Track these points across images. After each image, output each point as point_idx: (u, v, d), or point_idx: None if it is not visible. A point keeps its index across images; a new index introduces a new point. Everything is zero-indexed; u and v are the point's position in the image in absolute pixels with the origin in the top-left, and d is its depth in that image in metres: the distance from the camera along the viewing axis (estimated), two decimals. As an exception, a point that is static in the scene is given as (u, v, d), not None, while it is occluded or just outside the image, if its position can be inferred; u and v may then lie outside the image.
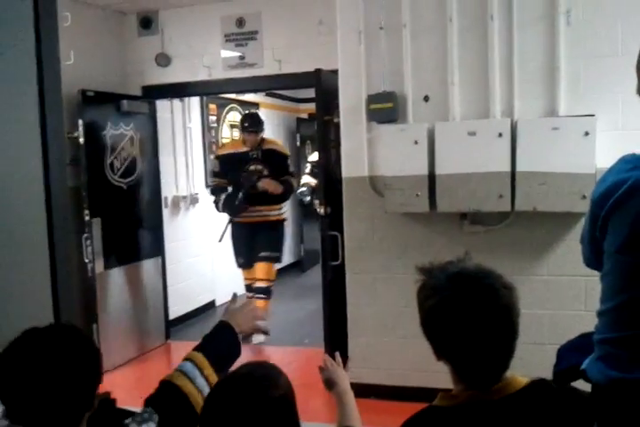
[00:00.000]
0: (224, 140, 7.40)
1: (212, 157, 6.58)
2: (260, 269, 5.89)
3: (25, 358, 1.39)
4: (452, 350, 1.33)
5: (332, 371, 1.92)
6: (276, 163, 5.90)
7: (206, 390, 1.70)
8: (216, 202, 5.94)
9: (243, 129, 5.94)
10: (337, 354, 2.02)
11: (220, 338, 1.92)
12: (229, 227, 6.06)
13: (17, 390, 1.37)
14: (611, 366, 1.22)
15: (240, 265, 6.11)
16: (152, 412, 1.59)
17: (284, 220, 6.24)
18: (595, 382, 1.26)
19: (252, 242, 5.95)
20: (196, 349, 1.85)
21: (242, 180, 5.72)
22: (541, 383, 1.36)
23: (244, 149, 5.89)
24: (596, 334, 1.30)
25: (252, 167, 5.81)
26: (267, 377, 1.45)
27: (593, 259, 1.33)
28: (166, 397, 1.68)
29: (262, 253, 5.89)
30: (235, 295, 2.10)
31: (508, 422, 1.29)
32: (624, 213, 1.17)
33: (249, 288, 6.04)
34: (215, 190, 6.06)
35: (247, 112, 6.68)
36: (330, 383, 1.91)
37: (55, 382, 1.37)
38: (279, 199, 5.98)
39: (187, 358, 1.81)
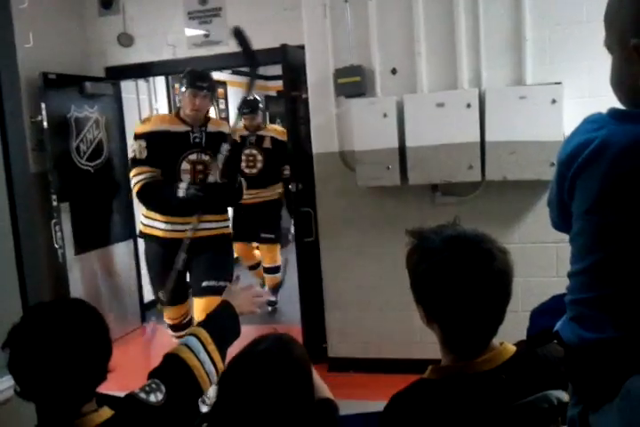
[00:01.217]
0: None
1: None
2: (199, 304, 3.80)
3: (35, 333, 1.40)
4: (445, 313, 1.32)
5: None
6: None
7: (208, 364, 1.74)
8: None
9: (193, 86, 3.78)
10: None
11: (223, 317, 1.97)
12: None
13: (29, 364, 1.39)
14: (583, 327, 1.22)
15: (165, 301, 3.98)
16: (159, 383, 1.60)
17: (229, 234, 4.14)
18: (567, 343, 1.26)
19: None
20: (200, 325, 1.89)
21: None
22: (528, 349, 1.37)
23: (183, 127, 3.85)
24: (567, 295, 1.30)
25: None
26: (284, 353, 1.44)
27: (561, 221, 1.32)
28: (171, 369, 1.70)
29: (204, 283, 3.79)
30: (237, 277, 2.17)
31: (499, 391, 1.30)
32: (592, 173, 1.16)
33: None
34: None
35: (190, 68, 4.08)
36: None
37: (67, 355, 1.38)
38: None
39: (191, 333, 1.84)
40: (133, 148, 3.83)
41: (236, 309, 1.98)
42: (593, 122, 1.19)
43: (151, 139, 3.76)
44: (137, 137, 3.82)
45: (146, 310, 5.86)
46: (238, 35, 3.82)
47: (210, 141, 3.83)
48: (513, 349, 1.36)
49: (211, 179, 3.76)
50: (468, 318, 1.30)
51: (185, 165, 3.78)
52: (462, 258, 1.28)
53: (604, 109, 1.20)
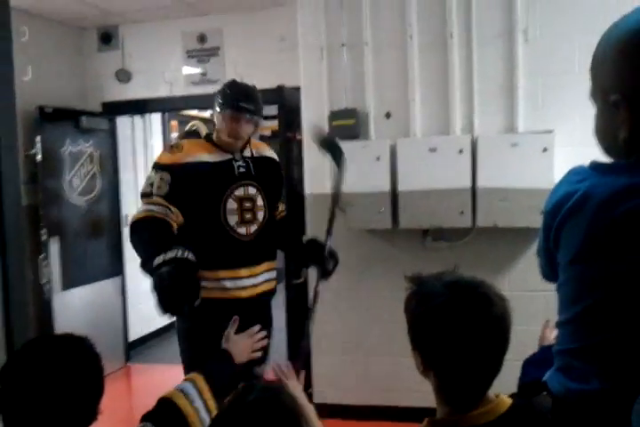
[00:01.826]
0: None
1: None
2: None
3: (26, 370, 1.39)
4: (441, 359, 1.30)
5: (287, 386, 1.87)
6: (271, 181, 3.17)
7: (203, 412, 1.69)
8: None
9: (234, 108, 2.97)
10: (288, 364, 1.98)
11: (221, 366, 1.92)
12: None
13: (18, 402, 1.36)
14: (569, 377, 1.22)
15: None
16: (151, 426, 1.56)
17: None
18: (555, 394, 1.26)
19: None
20: (197, 371, 1.84)
21: None
22: (524, 402, 1.35)
23: (222, 156, 3.01)
24: (555, 345, 1.30)
25: (241, 192, 2.99)
26: (276, 402, 1.41)
27: (549, 271, 1.34)
28: (165, 414, 1.66)
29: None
30: (235, 320, 2.08)
31: None
32: (575, 224, 1.18)
33: None
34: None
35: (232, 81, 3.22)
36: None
37: (58, 393, 1.36)
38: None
39: (187, 379, 1.80)
40: (150, 181, 2.91)
41: (234, 357, 1.93)
42: (577, 174, 1.23)
43: (180, 172, 2.86)
44: (160, 168, 2.91)
45: (131, 349, 5.77)
46: (331, 146, 3.09)
47: (258, 170, 3.05)
48: (509, 401, 1.34)
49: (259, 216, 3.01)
50: (465, 365, 1.28)
51: (231, 204, 2.94)
52: (461, 302, 1.28)
53: (594, 158, 1.22)
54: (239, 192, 2.98)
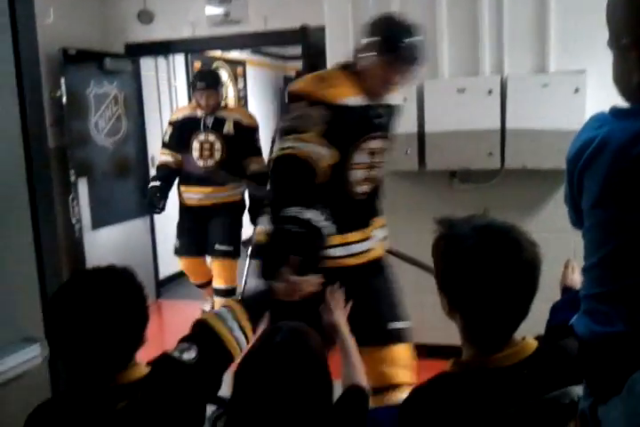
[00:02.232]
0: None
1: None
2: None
3: (74, 299, 1.47)
4: (468, 301, 1.32)
5: (333, 313, 1.91)
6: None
7: (237, 331, 1.75)
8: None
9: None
10: (337, 288, 2.00)
11: (261, 299, 1.99)
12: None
13: (68, 329, 1.45)
14: (594, 321, 1.24)
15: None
16: (190, 345, 1.63)
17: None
18: (580, 337, 1.29)
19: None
20: (233, 300, 1.97)
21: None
22: (550, 344, 1.36)
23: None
24: (581, 290, 1.32)
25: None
26: (301, 344, 1.45)
27: (575, 218, 1.35)
28: (200, 334, 1.72)
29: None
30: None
31: (521, 388, 1.29)
32: (595, 170, 1.20)
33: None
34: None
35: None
36: (331, 328, 1.91)
37: (105, 320, 1.45)
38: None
39: (223, 305, 1.87)
40: (302, 112, 2.49)
41: (279, 295, 1.99)
42: (596, 120, 1.25)
43: (338, 115, 2.47)
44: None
45: (161, 286, 5.91)
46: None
47: (390, 121, 2.73)
48: (535, 344, 1.35)
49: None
50: (491, 308, 1.30)
51: (361, 158, 2.61)
52: (491, 246, 1.28)
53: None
54: (372, 144, 2.59)
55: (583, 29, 3.57)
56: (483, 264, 1.27)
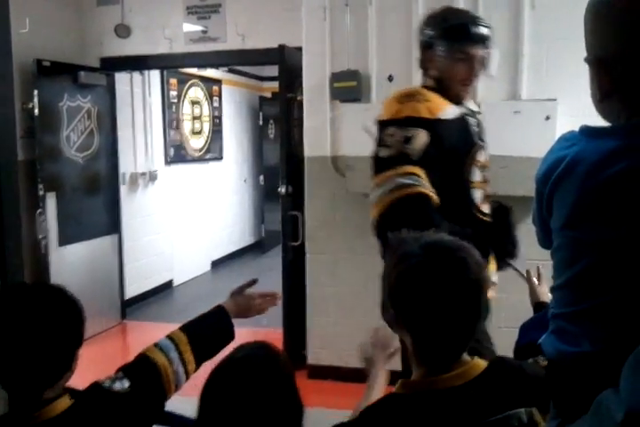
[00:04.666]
0: (185, 117, 7.27)
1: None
2: None
3: (4, 315, 1.39)
4: (415, 321, 1.31)
5: (373, 351, 1.88)
6: None
7: (176, 364, 1.69)
8: None
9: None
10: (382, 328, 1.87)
11: (210, 321, 1.88)
12: None
13: None
14: (561, 340, 1.24)
15: None
16: (123, 375, 1.57)
17: None
18: (548, 356, 1.29)
19: None
20: (180, 327, 1.83)
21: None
22: (500, 364, 1.35)
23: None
24: (550, 309, 1.32)
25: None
26: (267, 358, 1.42)
27: (544, 238, 1.35)
28: (137, 365, 1.66)
29: None
30: (254, 280, 2.03)
31: (469, 408, 1.28)
32: (565, 190, 1.19)
33: None
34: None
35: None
36: (368, 362, 1.87)
37: (35, 339, 1.37)
38: None
39: (167, 335, 1.79)
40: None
41: (230, 313, 1.91)
42: (566, 139, 1.23)
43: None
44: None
45: (127, 306, 5.82)
46: None
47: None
48: (484, 364, 1.35)
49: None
50: (437, 326, 1.29)
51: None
52: (436, 264, 1.28)
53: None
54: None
55: (555, 58, 3.65)
56: (427, 282, 1.27)
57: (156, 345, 1.74)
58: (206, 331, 1.85)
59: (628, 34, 1.11)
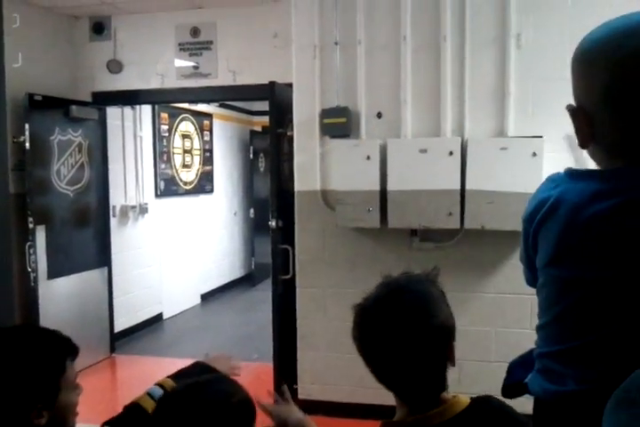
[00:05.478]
0: (176, 151, 7.30)
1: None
2: None
3: None
4: (382, 368, 1.31)
5: (280, 410, 1.83)
6: None
7: None
8: None
9: None
10: (284, 388, 1.91)
11: (196, 371, 1.87)
12: None
13: None
14: (547, 379, 1.25)
15: None
16: None
17: None
18: (535, 395, 1.30)
19: None
20: (168, 376, 1.82)
21: None
22: (483, 402, 1.35)
23: None
24: (535, 348, 1.32)
25: None
26: (225, 386, 1.42)
27: (530, 277, 1.37)
28: (130, 416, 1.65)
29: None
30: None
31: None
32: (548, 229, 1.23)
33: None
34: None
35: None
36: (281, 422, 1.81)
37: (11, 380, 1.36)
38: None
39: (157, 384, 1.78)
40: None
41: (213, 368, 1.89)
42: (552, 181, 1.27)
43: None
44: None
45: (116, 340, 5.76)
46: None
47: None
48: (466, 401, 1.35)
49: None
50: (403, 374, 1.28)
51: None
52: (394, 314, 1.26)
53: (583, 164, 1.26)
54: None
55: (541, 96, 3.72)
56: (384, 332, 1.26)
57: (147, 394, 1.73)
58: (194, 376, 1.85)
59: (598, 87, 1.16)
